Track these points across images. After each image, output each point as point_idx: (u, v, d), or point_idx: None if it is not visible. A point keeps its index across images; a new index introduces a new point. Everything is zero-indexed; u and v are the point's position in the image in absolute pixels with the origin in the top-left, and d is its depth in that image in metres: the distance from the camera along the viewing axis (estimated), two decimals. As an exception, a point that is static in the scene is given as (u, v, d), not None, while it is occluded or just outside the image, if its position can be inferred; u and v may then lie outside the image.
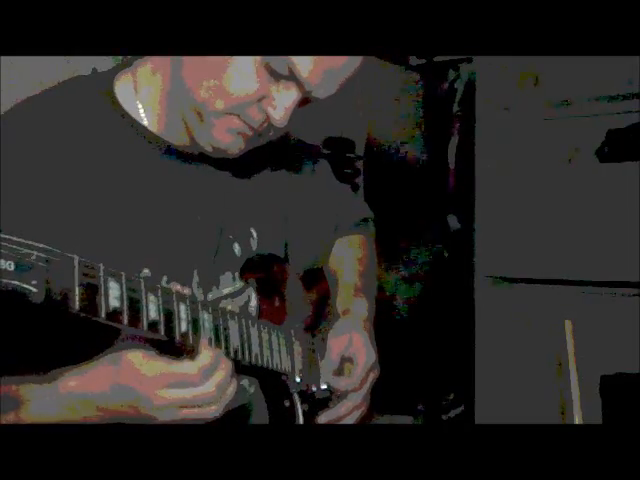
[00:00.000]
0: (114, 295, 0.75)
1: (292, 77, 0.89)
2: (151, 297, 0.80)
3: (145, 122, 0.98)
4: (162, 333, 0.81)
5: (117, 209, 0.93)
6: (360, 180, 2.85)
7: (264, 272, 1.10)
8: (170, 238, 0.97)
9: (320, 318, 1.23)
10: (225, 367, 0.87)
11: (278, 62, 0.88)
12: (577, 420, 2.02)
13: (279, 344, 1.06)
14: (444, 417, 3.12)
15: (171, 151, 0.99)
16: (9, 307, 0.71)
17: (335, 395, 1.13)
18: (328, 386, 1.13)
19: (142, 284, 0.80)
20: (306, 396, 1.11)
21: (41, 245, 0.68)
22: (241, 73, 0.89)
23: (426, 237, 3.21)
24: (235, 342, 0.94)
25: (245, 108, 0.91)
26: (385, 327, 1.28)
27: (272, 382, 1.07)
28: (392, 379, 1.25)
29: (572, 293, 2.45)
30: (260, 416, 1.08)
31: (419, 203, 3.14)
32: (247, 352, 0.97)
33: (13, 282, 0.65)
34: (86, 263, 0.73)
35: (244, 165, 1.05)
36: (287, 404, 1.08)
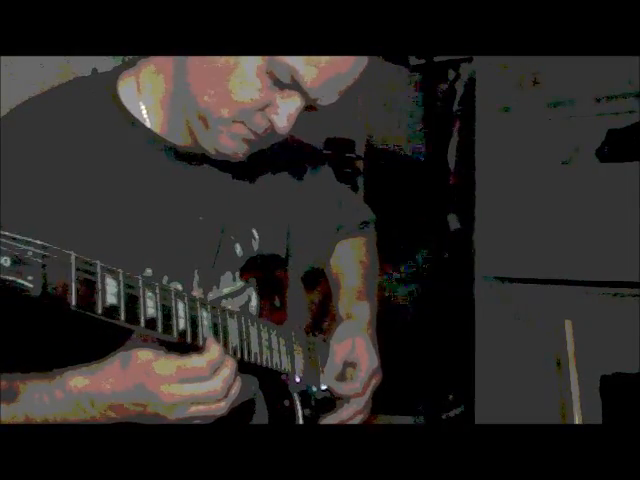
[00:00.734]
0: (111, 292, 0.75)
1: (295, 86, 0.90)
2: (149, 294, 0.80)
3: (147, 123, 0.98)
4: (160, 330, 0.81)
5: (120, 209, 0.93)
6: (360, 180, 2.86)
7: (265, 272, 1.10)
8: (171, 238, 0.98)
9: (321, 319, 1.23)
10: (230, 365, 0.88)
11: (281, 71, 0.88)
12: (577, 420, 2.02)
13: (279, 344, 1.06)
14: (444, 417, 3.12)
15: (173, 152, 0.99)
16: (18, 305, 0.71)
17: (337, 399, 1.13)
18: (328, 387, 1.14)
19: (140, 281, 0.80)
20: (306, 396, 1.11)
21: (38, 241, 0.69)
22: (245, 81, 0.89)
23: (426, 237, 3.21)
24: (234, 340, 0.94)
25: (249, 115, 0.92)
26: (385, 327, 1.28)
27: (272, 381, 1.07)
28: (392, 379, 1.25)
29: (572, 293, 2.45)
30: (260, 415, 1.08)
31: (419, 203, 3.14)
32: (246, 351, 0.97)
33: (9, 277, 0.66)
34: (83, 259, 0.73)
35: (246, 166, 1.05)
36: (287, 404, 1.08)
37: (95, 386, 0.84)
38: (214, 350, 0.87)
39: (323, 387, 1.14)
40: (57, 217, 0.88)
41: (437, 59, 3.22)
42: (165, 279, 0.96)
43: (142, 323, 0.79)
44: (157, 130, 0.98)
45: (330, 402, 1.14)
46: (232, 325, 0.94)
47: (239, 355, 0.95)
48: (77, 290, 0.71)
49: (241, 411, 0.92)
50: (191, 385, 0.85)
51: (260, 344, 1.01)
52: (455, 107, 3.21)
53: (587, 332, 2.17)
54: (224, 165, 1.03)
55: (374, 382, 1.16)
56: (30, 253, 0.68)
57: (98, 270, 0.74)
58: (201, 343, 0.87)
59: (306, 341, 1.16)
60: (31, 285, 0.67)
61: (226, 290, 1.04)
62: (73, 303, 0.71)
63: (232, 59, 0.89)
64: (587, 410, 2.05)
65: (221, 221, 1.05)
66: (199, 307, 0.88)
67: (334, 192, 1.31)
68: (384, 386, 1.19)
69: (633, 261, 2.27)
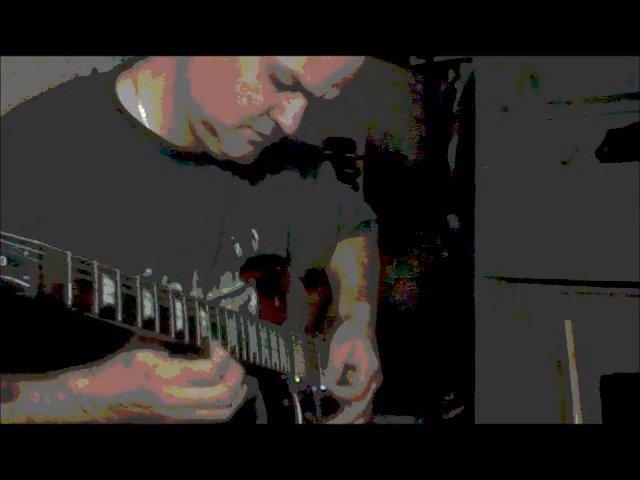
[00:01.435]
0: (108, 292, 0.75)
1: (297, 86, 0.91)
2: (146, 294, 0.80)
3: (146, 123, 0.98)
4: (157, 331, 0.81)
5: (119, 209, 0.93)
6: (360, 180, 2.86)
7: (264, 272, 1.10)
8: (171, 238, 0.98)
9: (321, 319, 1.22)
10: (237, 373, 0.88)
11: (282, 73, 0.89)
12: (577, 420, 2.02)
13: (278, 344, 1.06)
14: (444, 417, 3.12)
15: (173, 152, 0.99)
16: (14, 306, 0.71)
17: (338, 402, 1.13)
18: (329, 390, 1.13)
19: (137, 281, 0.79)
20: (306, 396, 1.11)
21: (35, 241, 0.69)
22: (248, 88, 0.90)
23: (426, 237, 3.21)
24: (233, 341, 0.94)
25: (256, 120, 0.93)
26: (385, 327, 1.27)
27: (271, 382, 1.07)
28: (392, 379, 1.24)
29: (572, 293, 2.46)
30: (259, 416, 1.08)
31: (419, 203, 3.14)
32: (245, 351, 0.97)
33: (5, 277, 0.65)
34: (80, 259, 0.73)
35: (247, 166, 1.05)
36: (286, 404, 1.08)
37: (96, 387, 0.84)
38: (220, 355, 0.86)
39: (323, 387, 1.14)
40: (56, 218, 0.88)
41: (437, 59, 3.22)
42: (165, 279, 0.95)
43: (139, 323, 0.79)
44: (157, 131, 0.98)
45: (330, 404, 1.14)
46: (231, 325, 0.94)
47: (238, 355, 0.95)
48: (73, 290, 0.71)
49: (242, 412, 0.92)
50: (197, 390, 0.85)
51: (259, 344, 1.01)
52: (455, 107, 3.21)
53: (587, 332, 2.17)
54: (224, 165, 1.03)
55: (374, 385, 1.15)
56: (26, 253, 0.67)
57: (95, 270, 0.74)
58: (199, 343, 0.87)
59: (306, 341, 1.16)
60: (27, 285, 0.67)
61: (226, 290, 1.04)
62: (69, 303, 0.71)
63: (234, 67, 0.90)
64: (587, 410, 2.05)
65: (221, 221, 1.05)
66: (197, 307, 0.88)
67: (335, 192, 1.31)
68: (384, 386, 1.19)
69: (633, 261, 2.27)
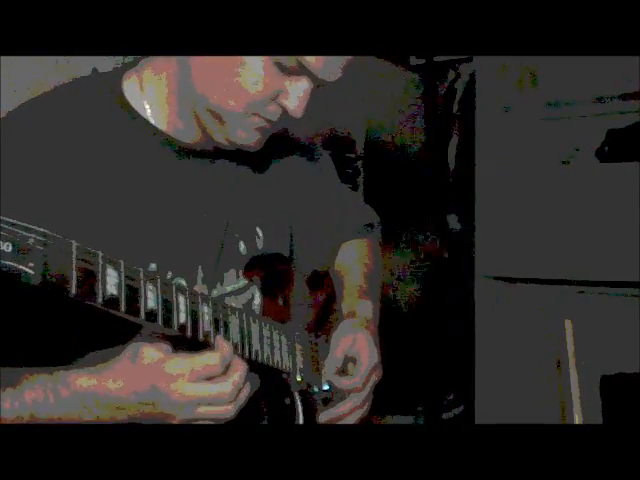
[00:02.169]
0: (112, 282, 0.76)
1: (301, 69, 0.92)
2: (149, 287, 0.81)
3: (152, 120, 0.99)
4: (160, 323, 0.82)
5: (125, 205, 0.94)
6: (360, 180, 2.85)
7: (268, 271, 1.10)
8: (176, 234, 0.98)
9: (324, 320, 1.23)
10: (241, 368, 0.89)
11: (287, 58, 0.90)
12: (577, 420, 2.02)
13: (280, 342, 1.07)
14: (444, 417, 3.12)
15: (179, 149, 1.00)
16: (18, 293, 0.71)
17: (337, 395, 1.14)
18: (330, 386, 1.14)
19: (141, 273, 0.80)
20: (307, 395, 1.11)
21: (40, 229, 0.69)
22: (253, 75, 0.91)
23: (426, 237, 3.21)
24: (235, 337, 0.94)
25: (263, 106, 0.94)
26: (385, 327, 1.28)
27: (272, 379, 1.07)
28: (392, 379, 1.25)
29: (572, 293, 2.45)
30: (261, 413, 1.08)
31: (419, 203, 3.14)
32: (247, 348, 0.97)
33: (10, 263, 0.66)
34: (84, 249, 0.73)
35: (252, 165, 1.07)
36: (287, 402, 1.08)
37: (101, 386, 0.84)
38: (225, 347, 0.88)
39: (325, 387, 1.14)
40: (62, 213, 0.89)
41: (437, 59, 3.22)
42: (169, 275, 0.96)
43: (142, 315, 0.79)
44: (164, 128, 0.99)
45: (330, 401, 1.14)
46: (233, 321, 0.95)
47: (240, 352, 0.95)
48: (77, 279, 0.72)
49: (244, 411, 0.92)
50: (203, 385, 0.85)
51: (261, 341, 1.01)
52: (455, 107, 3.21)
53: (587, 332, 2.17)
54: (232, 156, 1.04)
55: (374, 378, 1.16)
56: (32, 240, 0.68)
57: (99, 260, 0.75)
58: (201, 337, 0.87)
59: (308, 341, 1.16)
60: (32, 272, 0.68)
61: (229, 288, 1.05)
62: (73, 292, 0.71)
63: (238, 57, 0.90)
64: (587, 410, 2.05)
65: (226, 218, 1.05)
66: (200, 302, 0.89)
67: (338, 194, 1.32)
68: (385, 386, 1.19)
69: (633, 261, 2.26)
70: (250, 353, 0.98)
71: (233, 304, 1.00)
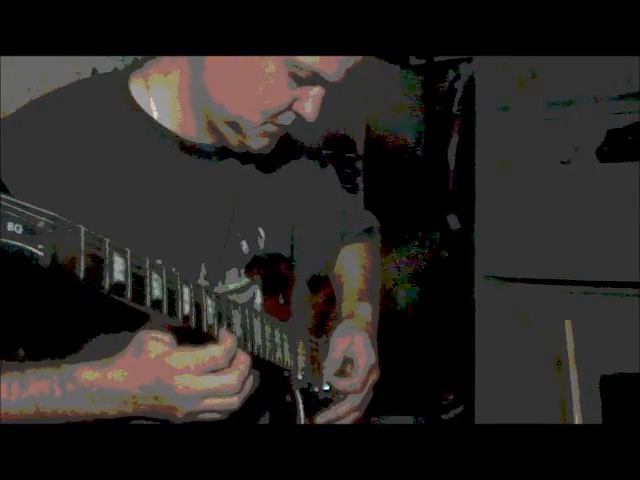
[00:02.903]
0: (118, 269, 0.77)
1: (316, 78, 0.93)
2: (155, 276, 0.81)
3: (158, 119, 0.99)
4: (165, 312, 0.82)
5: (130, 202, 0.95)
6: (360, 180, 2.85)
7: (270, 270, 1.11)
8: (180, 231, 0.99)
9: (324, 322, 1.24)
10: (245, 360, 0.90)
11: (301, 69, 0.92)
12: (577, 420, 2.02)
13: (282, 340, 1.07)
14: (444, 417, 3.12)
15: (185, 148, 1.01)
16: (28, 275, 0.72)
17: (336, 396, 1.14)
18: (330, 387, 1.14)
19: (147, 262, 0.81)
20: (308, 395, 1.12)
21: (50, 212, 0.70)
22: (270, 86, 0.93)
23: (426, 237, 3.21)
24: (238, 331, 0.95)
25: (279, 115, 0.96)
26: (385, 327, 1.28)
27: (274, 376, 1.07)
28: (392, 379, 1.25)
29: (572, 293, 2.45)
30: (263, 409, 1.08)
31: (419, 203, 3.14)
32: (250, 343, 0.97)
33: (20, 244, 0.66)
34: (92, 235, 0.74)
35: (257, 166, 1.09)
36: (288, 399, 1.09)
37: (107, 380, 0.85)
38: (229, 340, 0.88)
39: (325, 387, 1.14)
40: (70, 208, 0.88)
41: (437, 59, 3.22)
42: (172, 271, 0.96)
43: (148, 303, 0.80)
44: (171, 127, 0.99)
45: (330, 402, 1.14)
46: (236, 316, 0.95)
47: (242, 346, 0.95)
48: (85, 263, 0.72)
49: (246, 408, 0.92)
50: (208, 378, 0.86)
51: (263, 337, 1.01)
52: (455, 107, 3.20)
53: (587, 332, 2.17)
54: (240, 157, 1.05)
55: (372, 379, 1.17)
56: (42, 223, 0.69)
57: (106, 247, 0.76)
58: (205, 329, 0.88)
59: (309, 341, 1.17)
60: (41, 254, 0.68)
61: (231, 286, 1.05)
62: (81, 276, 0.72)
63: (253, 65, 0.92)
64: (587, 410, 2.05)
65: (229, 217, 1.06)
66: (204, 294, 0.89)
67: (339, 200, 1.34)
68: (384, 386, 1.20)
69: (633, 261, 2.26)
70: (253, 348, 0.98)
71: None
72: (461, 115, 3.16)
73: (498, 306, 2.61)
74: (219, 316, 0.91)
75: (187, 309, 0.86)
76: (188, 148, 1.01)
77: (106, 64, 1.07)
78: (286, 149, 1.13)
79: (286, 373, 1.09)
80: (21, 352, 0.91)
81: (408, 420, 2.87)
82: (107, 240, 0.76)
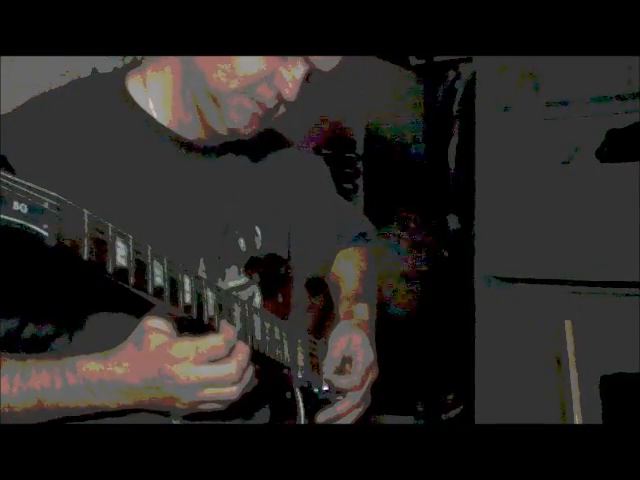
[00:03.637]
0: (121, 254, 0.77)
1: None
2: (157, 263, 0.82)
3: (156, 117, 1.00)
4: (167, 300, 0.83)
5: (129, 198, 0.95)
6: (360, 180, 2.85)
7: (267, 270, 1.11)
8: (178, 227, 0.99)
9: (322, 324, 1.24)
10: (244, 350, 0.90)
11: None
12: (577, 420, 2.02)
13: (282, 337, 1.07)
14: (444, 417, 3.12)
15: (183, 145, 1.01)
16: (33, 255, 0.73)
17: (335, 395, 1.14)
18: (330, 387, 1.14)
19: (149, 249, 0.81)
20: (308, 394, 1.12)
21: (53, 194, 0.70)
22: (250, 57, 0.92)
23: (426, 237, 3.21)
24: (238, 324, 0.95)
25: (257, 87, 0.95)
26: (385, 327, 1.29)
27: (273, 372, 1.07)
28: (392, 379, 1.25)
29: (572, 293, 2.45)
30: (262, 406, 1.08)
31: (419, 203, 3.14)
32: (250, 338, 0.98)
33: (26, 223, 0.67)
34: (95, 219, 0.75)
35: (254, 164, 1.09)
36: (288, 396, 1.09)
37: (108, 371, 0.86)
38: (229, 330, 0.89)
39: (325, 388, 1.15)
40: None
41: (437, 59, 3.22)
42: None
43: (150, 290, 0.81)
44: (167, 124, 1.00)
45: (329, 401, 1.14)
46: (236, 309, 0.95)
47: (242, 339, 0.95)
48: (89, 246, 0.73)
49: (246, 403, 0.92)
50: (208, 367, 0.87)
51: (263, 332, 1.02)
52: (455, 107, 3.21)
53: (587, 332, 2.17)
54: (233, 160, 1.06)
55: (371, 376, 1.17)
56: (47, 204, 0.69)
57: (109, 231, 0.76)
58: (206, 320, 0.88)
59: (308, 340, 1.17)
60: (46, 234, 0.68)
61: (231, 284, 1.06)
62: (85, 257, 0.72)
63: None
64: (587, 410, 2.05)
65: (226, 214, 1.06)
66: (205, 285, 0.90)
67: (334, 204, 1.35)
68: (384, 386, 1.20)
69: (633, 261, 2.27)
70: (253, 343, 0.98)
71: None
72: (461, 115, 3.16)
73: (498, 306, 2.61)
74: (220, 308, 0.92)
75: (188, 298, 0.86)
76: (186, 145, 1.01)
77: (106, 64, 1.07)
78: (276, 143, 1.13)
79: (285, 370, 1.09)
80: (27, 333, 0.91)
81: (408, 420, 2.87)
82: (110, 225, 0.77)
